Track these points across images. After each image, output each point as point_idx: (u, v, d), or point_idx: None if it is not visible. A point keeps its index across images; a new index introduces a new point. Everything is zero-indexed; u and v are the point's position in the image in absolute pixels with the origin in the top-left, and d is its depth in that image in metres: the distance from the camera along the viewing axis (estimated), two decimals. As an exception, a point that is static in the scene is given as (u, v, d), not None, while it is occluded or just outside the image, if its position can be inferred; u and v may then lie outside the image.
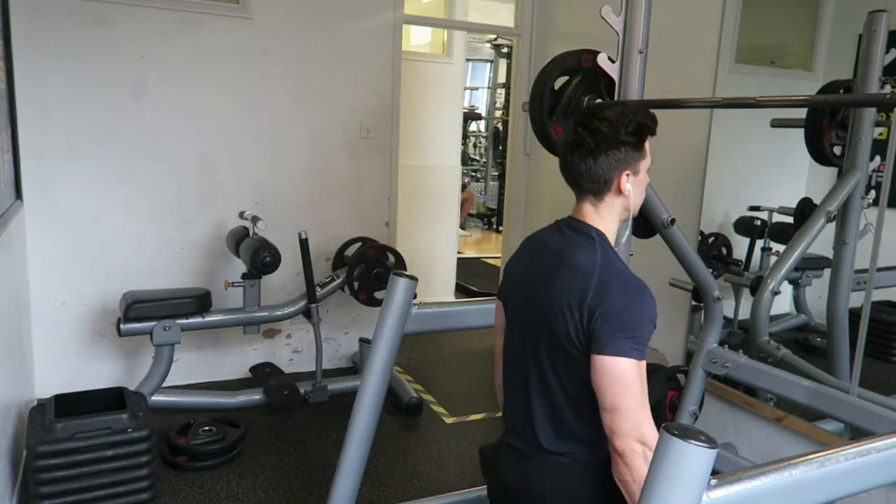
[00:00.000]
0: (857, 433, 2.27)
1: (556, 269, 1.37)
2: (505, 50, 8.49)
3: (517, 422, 1.49)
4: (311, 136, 3.72)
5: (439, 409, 3.49)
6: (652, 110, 1.41)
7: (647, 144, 1.39)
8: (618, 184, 1.36)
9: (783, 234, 2.93)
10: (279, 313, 3.41)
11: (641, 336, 1.28)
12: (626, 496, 1.28)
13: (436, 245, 5.34)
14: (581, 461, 1.39)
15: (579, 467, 1.41)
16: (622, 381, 1.25)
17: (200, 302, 3.14)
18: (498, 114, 9.28)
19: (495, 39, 8.30)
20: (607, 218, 1.41)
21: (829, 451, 0.91)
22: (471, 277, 5.90)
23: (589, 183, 1.38)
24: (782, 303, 3.05)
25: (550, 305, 1.35)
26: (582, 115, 1.42)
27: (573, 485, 1.41)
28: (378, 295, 3.47)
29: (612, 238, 1.41)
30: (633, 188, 1.38)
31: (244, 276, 3.30)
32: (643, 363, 1.29)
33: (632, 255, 2.20)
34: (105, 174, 3.29)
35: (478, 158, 10.03)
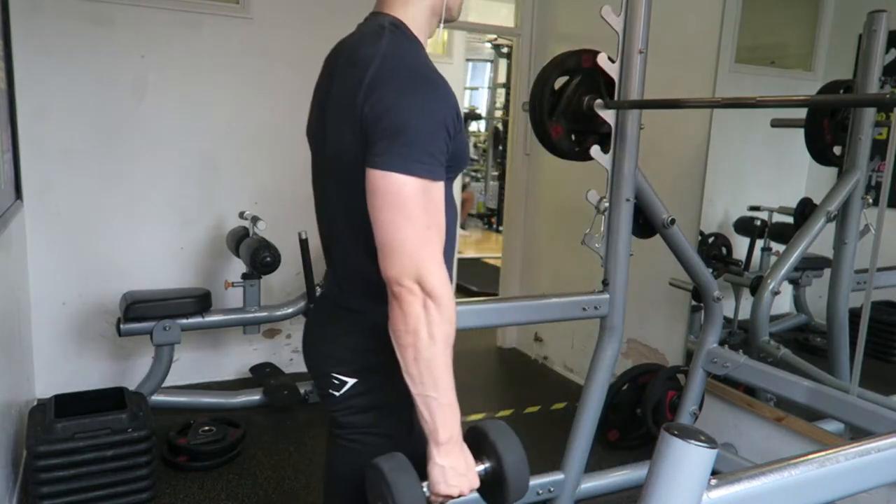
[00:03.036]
0: (857, 433, 2.27)
1: (340, 76, 1.13)
2: (505, 50, 8.48)
3: (330, 284, 1.29)
4: (311, 136, 3.71)
5: (439, 409, 3.48)
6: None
7: None
8: None
9: (783, 234, 2.93)
10: (279, 313, 3.41)
11: (424, 145, 0.99)
12: (397, 350, 1.02)
13: (436, 245, 5.33)
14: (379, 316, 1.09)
15: (367, 320, 1.15)
16: (396, 204, 0.98)
17: (200, 302, 3.14)
18: (498, 114, 9.28)
19: (495, 39, 8.29)
20: (411, 4, 1.16)
21: (829, 451, 0.90)
22: (471, 277, 5.90)
23: None
24: (782, 303, 3.05)
25: (329, 120, 1.12)
26: None
27: (350, 332, 1.19)
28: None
29: (419, 32, 1.17)
30: None
31: (244, 276, 3.30)
32: (435, 184, 1.01)
33: (632, 255, 2.20)
34: (105, 174, 3.29)
35: (478, 158, 10.03)
